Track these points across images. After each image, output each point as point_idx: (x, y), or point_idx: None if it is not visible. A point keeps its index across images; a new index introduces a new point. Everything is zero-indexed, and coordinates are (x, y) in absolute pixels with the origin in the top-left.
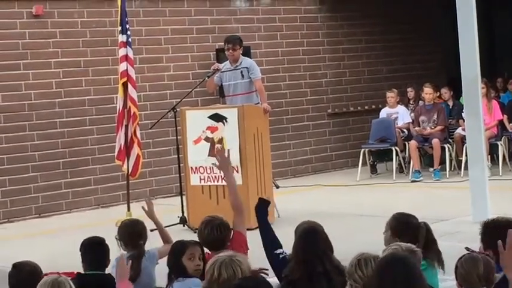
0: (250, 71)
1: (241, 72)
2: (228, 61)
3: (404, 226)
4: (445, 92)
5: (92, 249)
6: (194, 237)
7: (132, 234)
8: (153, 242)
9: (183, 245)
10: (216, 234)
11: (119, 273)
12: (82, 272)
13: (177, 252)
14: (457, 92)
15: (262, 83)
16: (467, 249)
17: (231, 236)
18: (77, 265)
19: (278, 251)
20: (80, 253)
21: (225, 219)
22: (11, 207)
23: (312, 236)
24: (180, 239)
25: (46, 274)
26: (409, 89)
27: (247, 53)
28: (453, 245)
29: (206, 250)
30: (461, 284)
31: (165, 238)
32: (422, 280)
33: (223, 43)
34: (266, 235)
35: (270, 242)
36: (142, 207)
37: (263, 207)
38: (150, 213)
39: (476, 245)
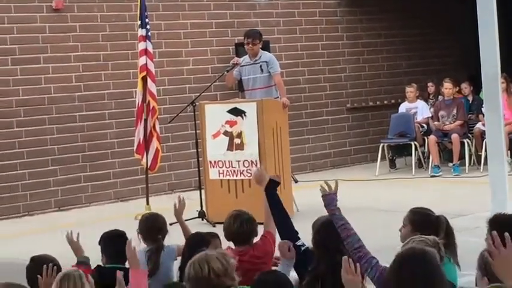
0: (269, 65)
1: (261, 66)
2: (247, 55)
3: (425, 220)
4: (465, 87)
5: (112, 242)
6: (213, 231)
7: (151, 228)
8: (173, 237)
9: (205, 238)
10: (246, 228)
11: (129, 259)
12: (101, 265)
13: (198, 244)
14: (476, 87)
15: (281, 77)
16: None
17: (257, 231)
18: (96, 258)
19: (299, 243)
20: (99, 246)
21: (251, 214)
22: (31, 200)
23: (332, 228)
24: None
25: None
26: (429, 84)
27: (266, 47)
28: (472, 241)
29: (229, 244)
30: (490, 278)
31: None
32: (441, 276)
33: (242, 37)
34: (281, 222)
35: (288, 231)
36: (174, 204)
37: (273, 188)
38: (178, 213)
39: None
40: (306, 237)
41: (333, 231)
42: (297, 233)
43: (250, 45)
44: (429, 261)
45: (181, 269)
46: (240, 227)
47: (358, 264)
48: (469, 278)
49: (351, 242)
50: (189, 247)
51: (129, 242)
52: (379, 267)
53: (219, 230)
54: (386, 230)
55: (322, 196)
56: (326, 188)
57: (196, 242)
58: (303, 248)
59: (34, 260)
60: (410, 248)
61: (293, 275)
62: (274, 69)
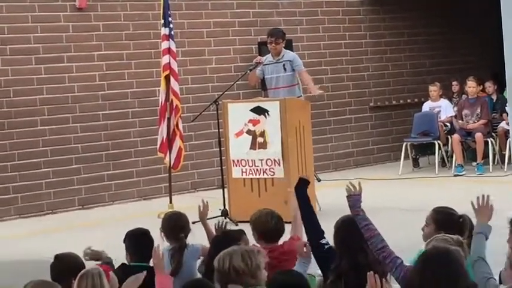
0: (294, 63)
1: (284, 65)
2: (270, 54)
3: (448, 219)
4: (489, 86)
5: (136, 240)
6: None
7: (174, 227)
8: (197, 236)
9: (231, 237)
10: (280, 225)
11: (155, 265)
12: (126, 263)
13: (228, 242)
14: (500, 86)
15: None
16: None
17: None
18: (120, 257)
19: (324, 241)
20: (123, 244)
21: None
22: (55, 198)
23: (353, 227)
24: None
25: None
26: (454, 83)
27: (289, 46)
28: (495, 240)
29: (254, 242)
30: None
31: None
32: (465, 275)
33: (265, 36)
34: (309, 220)
35: (314, 230)
36: (199, 207)
37: (303, 187)
38: (203, 215)
39: None
40: (329, 236)
41: (354, 230)
42: (322, 232)
43: (274, 44)
44: (453, 260)
45: (206, 265)
46: (276, 224)
47: (383, 279)
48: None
49: (375, 243)
50: (215, 245)
51: (155, 248)
52: (403, 267)
53: (242, 228)
54: (409, 229)
55: (347, 196)
56: (352, 188)
57: (222, 240)
58: (326, 247)
59: (58, 258)
60: (434, 248)
61: (318, 272)
62: (299, 67)
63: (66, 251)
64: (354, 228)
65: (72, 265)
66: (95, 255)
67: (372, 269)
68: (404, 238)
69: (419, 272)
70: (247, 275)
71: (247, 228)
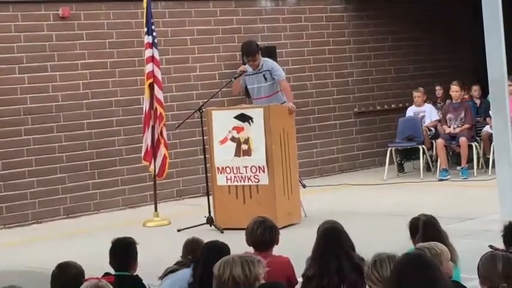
0: (273, 73)
1: (264, 75)
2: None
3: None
4: (475, 90)
5: (121, 249)
6: (221, 237)
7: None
8: None
9: (225, 248)
10: (268, 236)
11: None
12: (111, 272)
13: (219, 254)
14: (484, 91)
15: (287, 82)
16: (490, 247)
17: (279, 239)
18: (105, 266)
19: None
20: (108, 253)
21: (274, 222)
22: (40, 208)
23: (330, 235)
24: (209, 239)
25: (86, 279)
26: (438, 87)
27: (273, 52)
28: (480, 244)
29: (248, 250)
30: (483, 282)
31: None
32: (443, 278)
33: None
34: None
35: None
36: None
37: None
38: None
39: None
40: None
41: (330, 238)
42: None
43: (251, 62)
44: (428, 263)
45: (199, 276)
46: (263, 234)
47: None
48: (476, 282)
49: None
50: (205, 257)
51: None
52: None
53: (227, 236)
54: (394, 234)
55: None
56: None
57: (226, 251)
58: None
59: (61, 267)
60: (412, 253)
61: None
62: (278, 76)
63: (69, 260)
64: (332, 236)
65: (77, 276)
66: None
67: (343, 275)
68: (390, 243)
69: (397, 282)
70: (245, 286)
71: (232, 235)
